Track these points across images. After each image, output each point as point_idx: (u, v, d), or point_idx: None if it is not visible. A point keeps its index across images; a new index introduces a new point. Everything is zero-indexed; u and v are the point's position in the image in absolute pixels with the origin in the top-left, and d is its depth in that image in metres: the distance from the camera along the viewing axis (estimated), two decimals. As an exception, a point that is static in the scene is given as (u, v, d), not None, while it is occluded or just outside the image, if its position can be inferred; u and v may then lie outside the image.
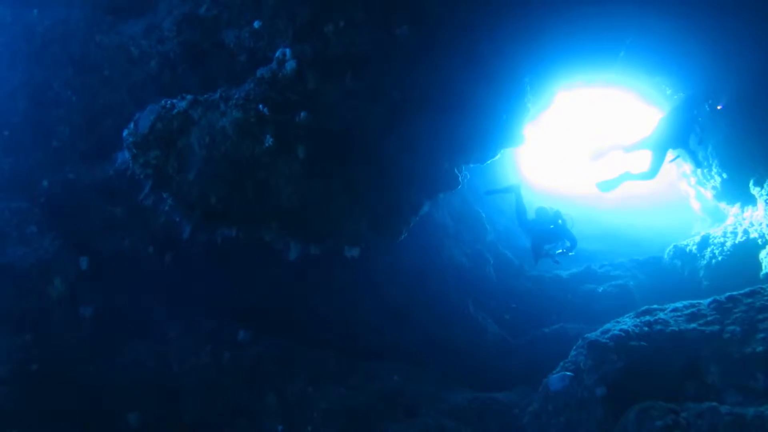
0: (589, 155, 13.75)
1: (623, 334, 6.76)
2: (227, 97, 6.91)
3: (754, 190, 11.68)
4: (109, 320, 9.87)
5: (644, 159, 12.73)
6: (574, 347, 7.71)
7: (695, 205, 15.57)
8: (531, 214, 13.59)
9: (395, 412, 10.43)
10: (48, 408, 8.71)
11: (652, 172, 12.35)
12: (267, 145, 6.71)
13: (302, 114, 6.90)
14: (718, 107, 11.21)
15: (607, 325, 7.57)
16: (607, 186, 13.29)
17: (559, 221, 13.02)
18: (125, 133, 7.05)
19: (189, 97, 7.05)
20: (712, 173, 13.14)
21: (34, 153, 10.29)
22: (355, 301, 11.52)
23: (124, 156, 7.02)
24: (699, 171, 13.66)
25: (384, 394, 10.70)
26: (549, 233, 13.03)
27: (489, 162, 10.81)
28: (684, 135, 11.59)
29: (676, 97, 12.72)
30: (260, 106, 6.76)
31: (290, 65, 7.16)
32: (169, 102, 6.99)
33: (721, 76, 11.08)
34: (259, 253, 9.88)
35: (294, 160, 6.97)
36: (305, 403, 10.13)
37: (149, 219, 10.24)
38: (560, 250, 13.16)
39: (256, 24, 8.03)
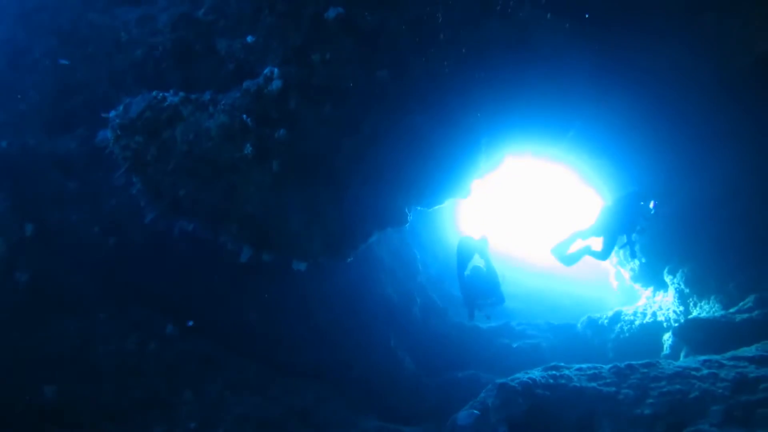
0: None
1: (530, 382, 7.47)
2: (216, 100, 7.36)
3: (667, 278, 12.82)
4: (43, 290, 9.88)
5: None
6: (484, 389, 8.34)
7: (614, 282, 16.74)
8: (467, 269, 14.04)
9: (306, 429, 10.79)
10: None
11: (605, 254, 12.99)
12: (246, 152, 7.18)
13: (281, 131, 7.42)
14: (651, 204, 12.18)
15: (518, 374, 8.25)
16: (569, 260, 13.76)
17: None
18: (112, 114, 7.37)
19: (181, 93, 7.46)
20: (633, 256, 14.23)
21: (-1, 112, 10.35)
22: (286, 316, 11.86)
23: (106, 135, 7.32)
24: (621, 252, 14.79)
25: (298, 410, 11.05)
26: (482, 289, 13.47)
27: (434, 208, 11.52)
28: (631, 225, 12.34)
29: (622, 189, 13.56)
30: (245, 116, 7.24)
31: (276, 84, 7.68)
32: (161, 94, 7.38)
33: (653, 172, 12.18)
34: (203, 253, 10.23)
35: (267, 172, 7.45)
36: (221, 406, 10.37)
37: (100, 200, 10.44)
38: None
39: (250, 39, 8.54)
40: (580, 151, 13.49)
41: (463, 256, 13.03)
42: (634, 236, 12.65)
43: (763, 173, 9.89)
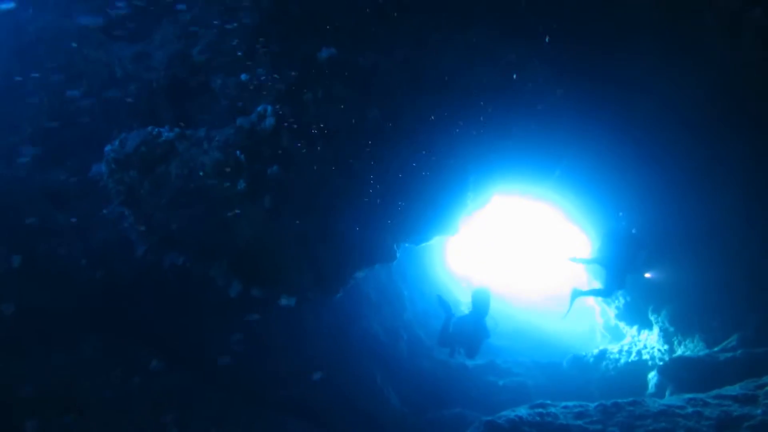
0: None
1: (517, 419, 7.48)
2: (210, 137, 7.50)
3: (652, 316, 12.94)
4: (28, 322, 9.81)
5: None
6: (471, 427, 8.30)
7: (599, 320, 16.83)
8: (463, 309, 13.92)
9: (291, 467, 10.69)
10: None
11: (608, 291, 12.93)
12: (239, 188, 7.29)
13: (274, 167, 7.55)
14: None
15: (504, 412, 8.23)
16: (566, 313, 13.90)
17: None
18: (108, 148, 7.47)
19: (176, 129, 7.59)
20: (618, 295, 14.43)
21: (-10, 144, 10.40)
22: (271, 352, 11.81)
23: (100, 169, 7.40)
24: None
25: (284, 446, 10.96)
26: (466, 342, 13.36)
27: (422, 245, 11.64)
28: (633, 256, 12.21)
29: (606, 227, 13.67)
30: (238, 152, 7.37)
31: (269, 122, 7.86)
32: (156, 129, 7.51)
33: (637, 211, 12.35)
34: (190, 288, 10.21)
35: (259, 208, 7.55)
36: (207, 440, 10.27)
37: (89, 233, 10.44)
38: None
39: (244, 77, 8.74)
40: (566, 189, 13.70)
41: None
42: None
43: (745, 214, 10.12)
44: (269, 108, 7.99)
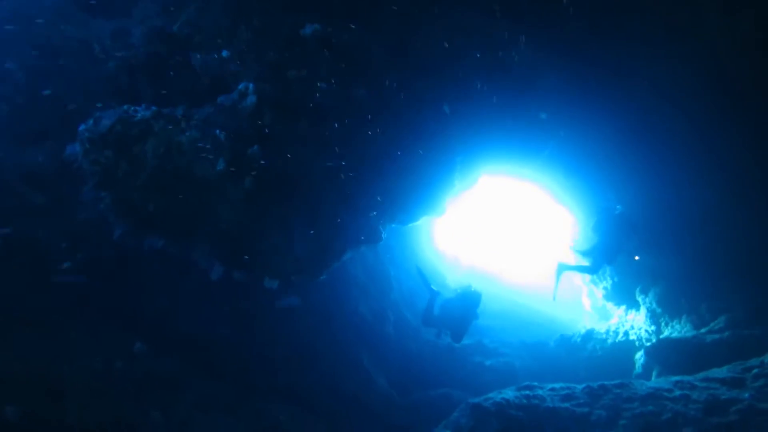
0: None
1: (504, 402, 7.41)
2: (188, 115, 7.26)
3: (639, 297, 12.92)
4: (7, 306, 9.59)
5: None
6: (458, 409, 8.23)
7: (586, 301, 16.83)
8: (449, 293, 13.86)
9: (280, 450, 10.60)
10: None
11: (595, 269, 12.86)
12: (219, 168, 7.08)
13: (255, 147, 7.34)
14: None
15: (491, 394, 8.16)
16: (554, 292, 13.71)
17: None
18: (82, 127, 7.22)
19: (153, 108, 7.35)
20: (606, 275, 14.41)
21: (-33, 124, 10.12)
22: (257, 335, 11.67)
23: (74, 149, 7.16)
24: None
25: (271, 430, 10.85)
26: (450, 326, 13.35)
27: (409, 225, 11.50)
28: (624, 237, 12.11)
29: (594, 208, 13.58)
30: (217, 131, 7.15)
31: (251, 100, 7.63)
32: (132, 108, 7.26)
33: (627, 193, 12.26)
34: (173, 270, 10.02)
35: (240, 189, 7.35)
36: (190, 427, 10.12)
37: (69, 214, 10.20)
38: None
39: (225, 53, 8.48)
40: (554, 170, 13.59)
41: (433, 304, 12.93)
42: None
43: (735, 197, 10.04)
44: (251, 86, 7.76)
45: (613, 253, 11.87)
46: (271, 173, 7.62)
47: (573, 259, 14.70)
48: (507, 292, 22.42)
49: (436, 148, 10.10)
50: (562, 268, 13.42)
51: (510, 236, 33.07)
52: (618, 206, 12.11)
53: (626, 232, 11.57)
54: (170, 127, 7.10)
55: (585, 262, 13.13)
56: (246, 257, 7.97)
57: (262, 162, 7.36)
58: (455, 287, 14.25)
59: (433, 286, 13.40)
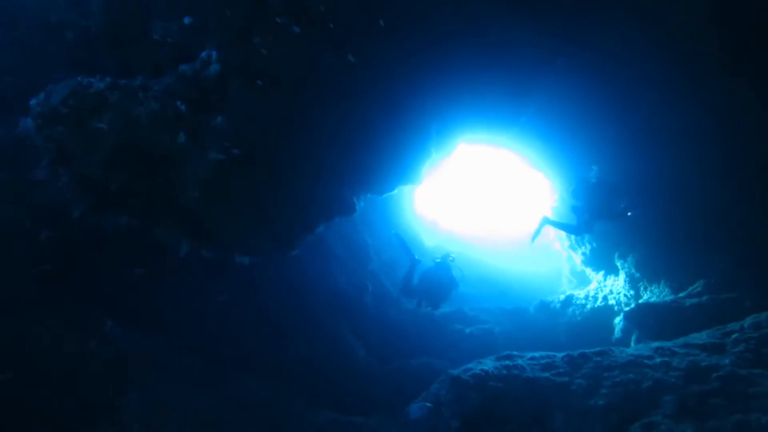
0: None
1: (483, 374, 7.31)
2: (146, 86, 6.88)
3: (618, 262, 12.90)
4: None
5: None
6: (437, 380, 8.14)
7: (565, 266, 16.82)
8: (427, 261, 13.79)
9: (258, 427, 10.46)
10: None
11: (579, 229, 12.72)
12: (180, 142, 6.73)
13: (219, 118, 6.99)
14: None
15: (470, 364, 8.07)
16: (533, 236, 13.51)
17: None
18: (33, 102, 6.82)
19: (108, 79, 6.95)
20: (584, 240, 14.36)
21: None
22: (234, 311, 11.46)
23: (27, 124, 6.76)
24: (573, 237, 14.84)
25: (249, 407, 10.71)
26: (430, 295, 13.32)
27: (386, 195, 11.26)
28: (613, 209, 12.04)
29: (572, 175, 13.44)
30: (179, 102, 6.79)
31: (214, 68, 7.25)
32: (86, 80, 6.86)
33: (605, 159, 12.08)
34: (143, 247, 9.70)
35: (204, 162, 7.02)
36: (168, 405, 9.94)
37: (32, 192, 9.78)
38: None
39: (187, 20, 8.03)
40: (532, 137, 13.41)
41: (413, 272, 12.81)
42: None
43: (713, 162, 9.92)
44: (214, 53, 7.36)
45: (597, 219, 11.72)
46: (237, 145, 7.29)
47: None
48: (487, 257, 22.42)
49: (411, 116, 9.82)
50: (546, 222, 13.26)
51: (489, 202, 33.11)
52: (594, 169, 11.95)
53: (611, 194, 11.42)
54: (127, 100, 6.72)
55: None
56: (214, 233, 7.68)
57: (228, 133, 7.01)
58: (434, 256, 14.16)
59: (415, 256, 13.32)
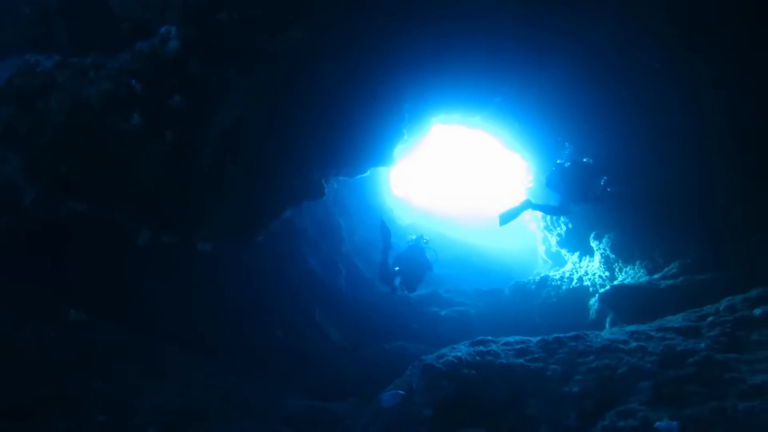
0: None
1: (456, 361, 7.14)
2: (99, 64, 6.49)
3: (593, 243, 12.81)
4: None
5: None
6: (410, 367, 7.96)
7: (540, 247, 16.74)
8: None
9: (229, 414, 10.23)
10: None
11: (563, 210, 12.63)
12: (134, 123, 6.37)
13: (176, 98, 6.63)
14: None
15: (444, 350, 7.89)
16: (508, 217, 13.19)
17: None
18: (-24, 81, 6.40)
19: (56, 57, 6.54)
20: (560, 221, 14.26)
21: None
22: (204, 297, 11.17)
23: (-30, 105, 6.35)
24: (548, 218, 14.74)
25: (220, 394, 10.45)
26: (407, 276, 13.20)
27: (358, 177, 11.00)
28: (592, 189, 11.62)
29: (548, 155, 13.28)
30: (133, 81, 6.42)
31: (173, 44, 6.88)
32: (34, 58, 6.45)
33: (581, 140, 11.92)
34: (105, 232, 9.33)
35: (161, 144, 6.67)
36: (134, 396, 9.63)
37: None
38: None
39: (148, -7, 7.63)
40: (507, 117, 13.20)
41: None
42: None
43: (689, 142, 9.77)
44: (173, 29, 6.98)
45: (584, 198, 11.52)
46: (197, 126, 6.95)
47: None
48: (463, 235, 22.34)
49: (382, 95, 9.51)
50: (528, 205, 13.01)
51: (467, 182, 33.05)
52: (567, 147, 11.79)
53: (588, 174, 11.25)
54: (76, 79, 6.33)
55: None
56: (174, 219, 7.35)
57: (187, 114, 6.66)
58: (408, 237, 13.99)
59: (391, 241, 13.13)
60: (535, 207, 13.21)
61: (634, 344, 6.63)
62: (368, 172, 10.76)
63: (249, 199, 7.77)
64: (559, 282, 13.87)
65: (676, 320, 7.23)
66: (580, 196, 11.39)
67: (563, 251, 14.64)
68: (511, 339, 7.95)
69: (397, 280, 13.03)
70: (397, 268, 13.05)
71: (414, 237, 14.26)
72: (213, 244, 8.04)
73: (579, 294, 13.05)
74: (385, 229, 13.54)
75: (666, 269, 10.03)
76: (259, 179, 7.82)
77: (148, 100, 6.53)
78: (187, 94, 6.79)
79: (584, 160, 11.49)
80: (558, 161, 11.98)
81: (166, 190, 7.04)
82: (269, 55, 7.75)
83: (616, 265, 12.04)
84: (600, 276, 12.58)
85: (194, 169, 7.07)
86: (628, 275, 11.47)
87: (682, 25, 8.91)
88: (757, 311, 6.56)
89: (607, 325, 10.92)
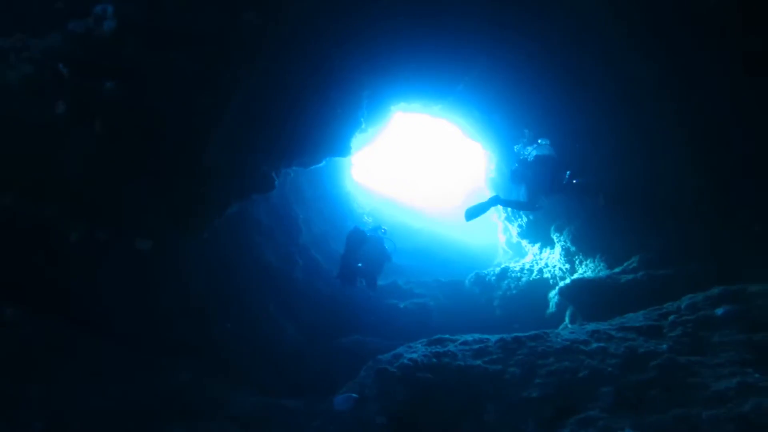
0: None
1: (411, 364, 6.83)
2: (22, 47, 5.92)
3: (554, 236, 12.64)
4: None
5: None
6: (364, 368, 7.64)
7: (501, 237, 16.57)
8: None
9: (179, 414, 9.79)
10: None
11: (532, 206, 11.99)
12: (59, 111, 5.84)
13: (109, 84, 6.11)
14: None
15: (400, 349, 7.60)
16: (474, 212, 12.52)
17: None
18: None
19: (-29, 38, 5.94)
20: (520, 213, 14.05)
21: None
22: (150, 291, 10.63)
23: None
24: (509, 209, 14.52)
25: (171, 393, 9.99)
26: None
27: (313, 168, 10.59)
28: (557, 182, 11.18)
29: (511, 145, 12.78)
30: (60, 65, 5.87)
31: (109, 25, 6.34)
32: (-56, 39, 5.84)
33: (543, 130, 11.65)
34: (34, 230, 8.72)
35: (89, 135, 6.14)
36: (75, 399, 9.10)
37: None
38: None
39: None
40: (469, 106, 12.91)
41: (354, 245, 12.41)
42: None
43: (652, 135, 9.62)
44: (110, 8, 6.43)
45: (551, 190, 11.22)
46: (132, 114, 6.43)
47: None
48: (427, 224, 22.08)
49: (339, 82, 9.09)
50: (497, 200, 12.58)
51: (429, 170, 32.92)
52: (525, 133, 11.53)
53: (552, 167, 10.97)
54: (-6, 62, 5.77)
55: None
56: (107, 215, 6.83)
57: (121, 101, 6.14)
58: (366, 228, 13.59)
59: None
60: (504, 203, 12.84)
61: (594, 345, 6.42)
62: (323, 163, 10.32)
63: (190, 192, 7.27)
64: (519, 274, 13.72)
65: (637, 318, 7.05)
66: (546, 188, 11.10)
67: (524, 242, 14.47)
68: (469, 338, 7.68)
69: (362, 282, 12.65)
70: (360, 265, 12.64)
71: (370, 220, 13.89)
72: (154, 241, 7.53)
73: (539, 286, 12.91)
74: (355, 237, 12.93)
75: (626, 263, 9.89)
76: (202, 171, 7.32)
77: (77, 85, 5.99)
78: (123, 79, 6.26)
79: (539, 141, 11.16)
80: (515, 147, 11.69)
81: (96, 184, 6.52)
82: (218, 38, 7.24)
83: (576, 257, 11.90)
84: (560, 268, 12.45)
85: (127, 162, 6.55)
86: (588, 268, 11.33)
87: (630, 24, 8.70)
88: (719, 311, 6.40)
89: (566, 318, 10.79)
